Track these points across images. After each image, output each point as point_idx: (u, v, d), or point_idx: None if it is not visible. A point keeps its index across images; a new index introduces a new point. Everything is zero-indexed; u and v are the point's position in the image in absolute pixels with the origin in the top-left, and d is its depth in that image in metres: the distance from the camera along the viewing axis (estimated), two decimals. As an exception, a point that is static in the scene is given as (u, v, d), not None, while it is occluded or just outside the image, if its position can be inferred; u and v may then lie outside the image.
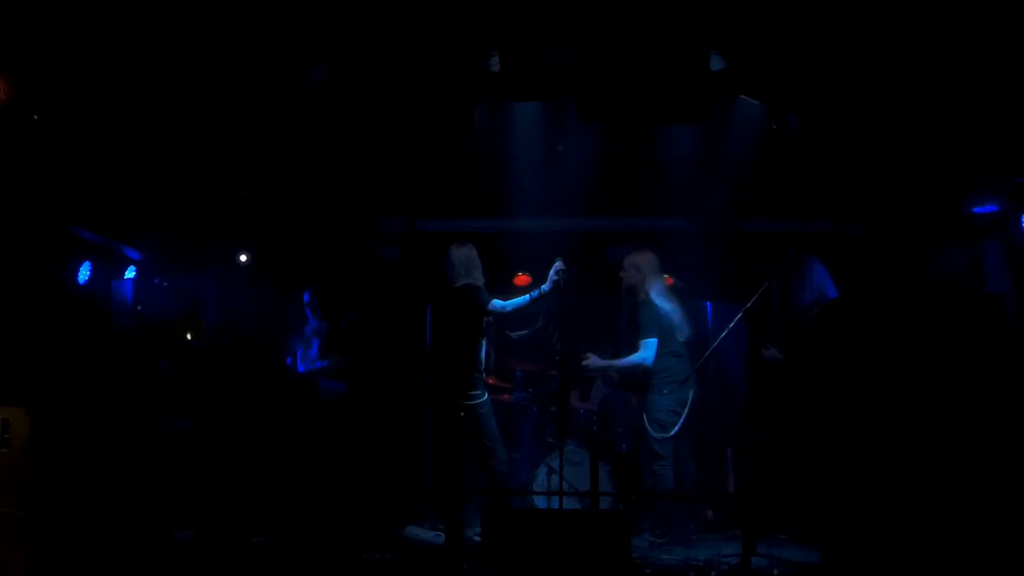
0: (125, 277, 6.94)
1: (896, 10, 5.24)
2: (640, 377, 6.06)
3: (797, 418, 5.56)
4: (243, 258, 7.75)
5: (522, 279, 7.69)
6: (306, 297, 6.79)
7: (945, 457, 2.68)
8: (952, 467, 2.64)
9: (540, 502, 6.21)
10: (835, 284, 5.98)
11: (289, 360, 6.88)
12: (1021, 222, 6.13)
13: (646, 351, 5.90)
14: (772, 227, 7.36)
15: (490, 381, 7.56)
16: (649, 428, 5.95)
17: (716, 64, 5.87)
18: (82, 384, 5.55)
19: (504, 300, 5.62)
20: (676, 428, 5.89)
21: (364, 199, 7.45)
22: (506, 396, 7.52)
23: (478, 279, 5.75)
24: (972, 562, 2.74)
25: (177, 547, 5.55)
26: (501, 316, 5.71)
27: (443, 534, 5.63)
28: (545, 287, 5.49)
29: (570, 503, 6.14)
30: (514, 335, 6.41)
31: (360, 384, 6.95)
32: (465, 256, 5.79)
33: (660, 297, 5.99)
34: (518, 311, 5.62)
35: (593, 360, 6.06)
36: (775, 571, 5.18)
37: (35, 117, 5.57)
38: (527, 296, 5.58)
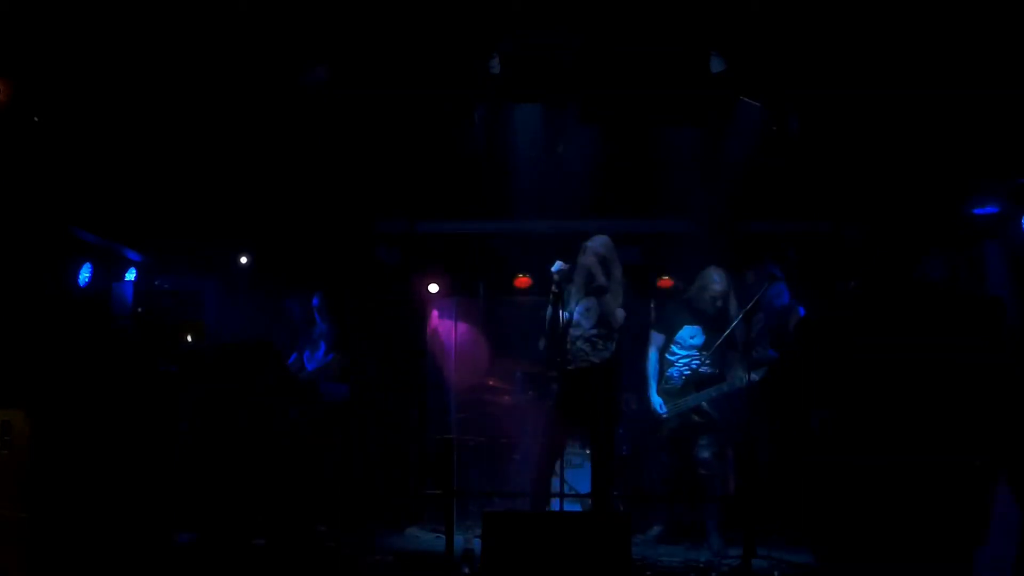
0: (125, 279, 6.93)
1: (897, 10, 5.24)
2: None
3: (797, 419, 5.56)
4: (243, 260, 7.74)
5: (522, 280, 7.70)
6: (315, 301, 6.79)
7: (944, 458, 2.70)
8: (951, 467, 2.65)
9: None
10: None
11: (294, 358, 6.88)
12: (1021, 223, 6.13)
13: None
14: (772, 227, 7.37)
15: (490, 382, 7.59)
16: (719, 421, 6.00)
17: (716, 66, 5.88)
18: (82, 386, 5.54)
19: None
20: None
21: (365, 201, 7.45)
22: (506, 397, 7.52)
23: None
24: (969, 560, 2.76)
25: (178, 549, 5.55)
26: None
27: (443, 536, 5.63)
28: (555, 288, 5.52)
29: (571, 505, 6.14)
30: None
31: (361, 386, 6.94)
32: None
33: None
34: (550, 321, 5.64)
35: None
36: (775, 573, 5.19)
37: (35, 119, 5.57)
38: (549, 307, 5.60)
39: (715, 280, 5.96)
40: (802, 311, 6.11)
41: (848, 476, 2.72)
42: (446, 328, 7.86)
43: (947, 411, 2.65)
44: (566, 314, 5.51)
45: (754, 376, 5.66)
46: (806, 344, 3.03)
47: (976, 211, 6.40)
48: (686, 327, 6.07)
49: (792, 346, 5.66)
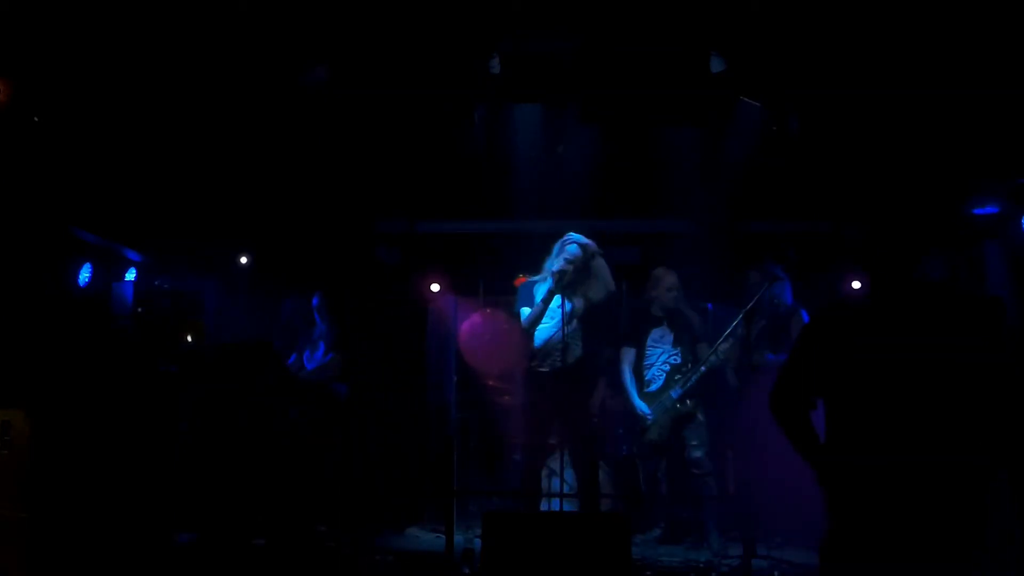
0: (125, 279, 6.93)
1: (897, 10, 5.24)
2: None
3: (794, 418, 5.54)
4: (243, 260, 7.74)
5: (522, 281, 7.68)
6: (315, 301, 6.79)
7: (944, 458, 2.70)
8: (951, 467, 2.65)
9: (541, 504, 6.20)
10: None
11: (293, 358, 6.88)
12: (1021, 223, 6.13)
13: None
14: (772, 227, 7.37)
15: (489, 383, 7.59)
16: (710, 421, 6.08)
17: (716, 66, 5.88)
18: (82, 386, 5.55)
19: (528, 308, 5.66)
20: None
21: (365, 201, 7.45)
22: (506, 397, 7.52)
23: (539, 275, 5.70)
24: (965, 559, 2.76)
25: (178, 549, 5.55)
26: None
27: (443, 536, 5.63)
28: (551, 285, 5.52)
29: (571, 505, 6.13)
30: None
31: (361, 386, 6.94)
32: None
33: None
34: (534, 320, 5.61)
35: None
36: (775, 573, 5.19)
37: (35, 119, 5.57)
38: (539, 303, 5.59)
39: (663, 273, 6.19)
40: (804, 314, 6.10)
41: (847, 476, 2.72)
42: (471, 325, 7.82)
43: (947, 411, 2.64)
44: (550, 315, 5.57)
45: (724, 347, 5.80)
46: (804, 344, 3.02)
47: (976, 211, 6.40)
48: (654, 330, 6.21)
49: (791, 346, 5.67)
